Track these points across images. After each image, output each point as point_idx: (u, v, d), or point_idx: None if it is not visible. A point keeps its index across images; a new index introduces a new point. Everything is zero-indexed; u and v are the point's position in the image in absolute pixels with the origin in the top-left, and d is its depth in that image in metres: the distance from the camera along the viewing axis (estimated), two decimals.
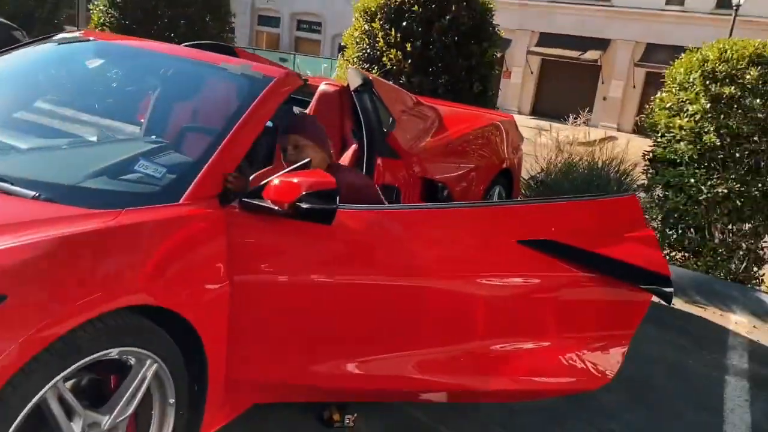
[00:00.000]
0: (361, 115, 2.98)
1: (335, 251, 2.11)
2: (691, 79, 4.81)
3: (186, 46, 3.22)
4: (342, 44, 6.29)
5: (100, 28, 7.33)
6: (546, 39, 24.56)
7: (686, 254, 5.01)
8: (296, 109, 3.32)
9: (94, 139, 2.23)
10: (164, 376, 1.76)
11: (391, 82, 3.97)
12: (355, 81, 3.04)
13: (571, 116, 7.31)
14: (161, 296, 1.69)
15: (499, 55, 6.27)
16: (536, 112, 24.55)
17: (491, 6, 5.77)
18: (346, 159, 3.02)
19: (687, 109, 4.77)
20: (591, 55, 23.56)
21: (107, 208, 1.76)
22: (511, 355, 2.26)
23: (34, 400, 1.41)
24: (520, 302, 2.24)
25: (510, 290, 2.27)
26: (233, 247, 1.91)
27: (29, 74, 2.63)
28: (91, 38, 2.80)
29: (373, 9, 5.62)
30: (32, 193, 1.79)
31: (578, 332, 2.33)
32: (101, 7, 7.27)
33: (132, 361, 1.67)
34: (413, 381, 2.20)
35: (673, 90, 4.96)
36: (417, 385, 2.23)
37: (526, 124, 5.94)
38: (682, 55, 5.07)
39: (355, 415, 2.46)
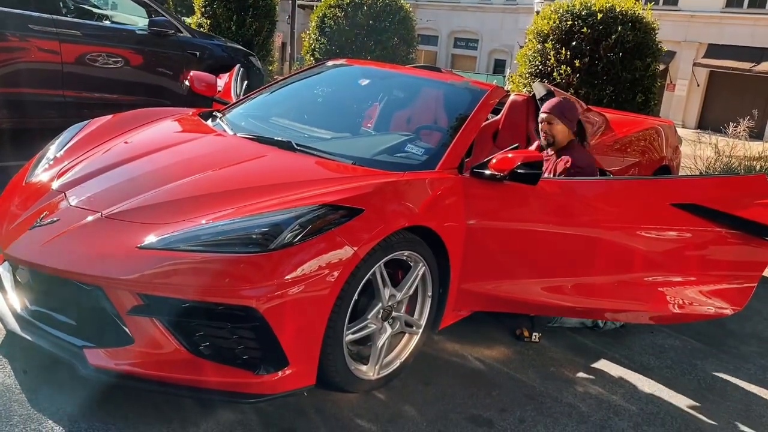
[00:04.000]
0: None
1: (535, 206, 3.05)
2: None
3: (411, 67, 4.37)
4: (497, 59, 7.22)
5: (310, 51, 8.89)
6: (714, 50, 23.67)
7: None
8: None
9: (372, 131, 3.39)
10: (427, 276, 2.80)
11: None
12: (540, 91, 3.99)
13: (731, 125, 7.59)
14: (429, 222, 2.71)
15: (662, 68, 6.85)
16: (703, 125, 23.69)
17: (655, 26, 6.40)
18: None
19: None
20: (765, 66, 22.39)
21: (394, 170, 2.86)
22: (662, 284, 3.08)
23: (372, 271, 2.49)
24: (671, 246, 3.07)
25: (664, 238, 3.09)
26: (467, 200, 2.92)
27: (321, 88, 3.89)
28: (354, 64, 4.02)
29: (546, 31, 6.50)
30: (350, 161, 2.94)
31: (715, 271, 3.12)
32: (312, 35, 8.83)
33: (412, 262, 2.72)
34: (586, 301, 3.09)
35: None
36: (589, 305, 3.11)
37: (687, 137, 6.40)
38: None
39: (540, 334, 3.37)
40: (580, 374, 3.11)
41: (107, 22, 6.25)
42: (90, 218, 2.45)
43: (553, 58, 6.38)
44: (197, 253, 2.24)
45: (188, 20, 9.59)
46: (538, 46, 6.57)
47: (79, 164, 2.90)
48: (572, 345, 3.41)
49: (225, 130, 3.30)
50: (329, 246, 2.32)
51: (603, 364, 3.22)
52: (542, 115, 3.56)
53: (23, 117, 5.28)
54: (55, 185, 2.75)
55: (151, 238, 2.30)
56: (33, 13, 5.15)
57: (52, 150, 3.10)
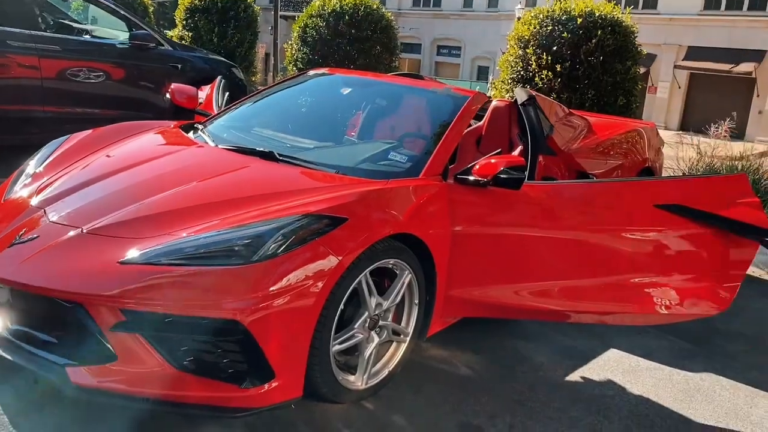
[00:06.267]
0: (526, 123, 3.91)
1: (520, 210, 3.05)
2: None
3: (393, 75, 4.37)
4: (480, 66, 7.28)
5: (293, 62, 8.90)
6: (694, 52, 23.99)
7: None
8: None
9: (356, 140, 3.38)
10: (413, 283, 2.78)
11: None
12: (522, 96, 4.00)
13: (712, 126, 7.67)
14: (414, 230, 2.70)
15: (643, 70, 6.94)
16: (685, 127, 23.94)
17: (634, 29, 6.47)
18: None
19: None
20: (744, 67, 22.71)
21: (378, 178, 2.85)
22: (648, 285, 3.09)
23: (357, 280, 2.47)
24: (656, 247, 3.07)
25: (649, 239, 3.10)
26: (452, 206, 2.92)
27: (303, 98, 3.88)
28: (336, 73, 4.01)
29: (526, 37, 6.54)
30: (334, 170, 2.92)
31: (701, 271, 3.12)
32: (295, 45, 8.84)
33: (398, 270, 2.71)
34: (573, 305, 3.09)
35: None
36: (576, 308, 3.11)
37: (669, 139, 6.46)
38: None
39: None
40: (569, 377, 3.10)
41: (87, 37, 6.21)
42: (70, 234, 2.42)
43: (534, 63, 6.43)
44: (179, 267, 2.21)
45: (170, 33, 9.57)
46: (520, 51, 6.62)
47: (59, 180, 2.86)
48: (560, 348, 3.40)
49: (206, 142, 3.28)
50: (313, 256, 2.31)
51: (591, 367, 3.23)
52: None
53: (3, 133, 5.23)
54: (34, 201, 2.72)
55: (132, 253, 2.28)
56: (12, 29, 5.11)
57: (31, 166, 3.07)
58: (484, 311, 3.17)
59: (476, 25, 31.43)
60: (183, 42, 9.43)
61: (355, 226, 2.45)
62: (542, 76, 6.32)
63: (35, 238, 2.44)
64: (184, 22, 10.16)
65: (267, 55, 23.73)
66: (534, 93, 4.08)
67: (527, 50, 6.48)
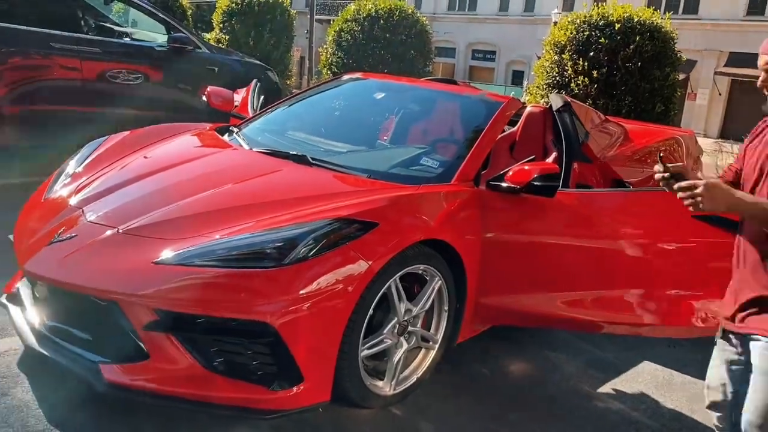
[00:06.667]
0: (561, 129, 3.85)
1: (553, 218, 3.01)
2: None
3: (427, 80, 4.36)
4: (515, 70, 7.21)
5: (327, 65, 8.97)
6: (736, 59, 23.42)
7: None
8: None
9: (388, 144, 3.38)
10: (443, 290, 2.77)
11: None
12: (557, 103, 3.94)
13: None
14: (445, 235, 2.69)
15: (682, 77, 6.80)
16: (724, 135, 23.39)
17: (674, 35, 6.34)
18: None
19: None
20: None
21: (409, 183, 2.84)
22: (684, 297, 3.01)
23: (387, 285, 2.47)
24: (694, 258, 2.99)
25: (686, 250, 3.02)
26: (483, 213, 2.89)
27: (337, 102, 3.90)
28: (370, 78, 4.03)
29: (563, 42, 6.46)
30: (366, 174, 2.93)
31: None
32: (329, 49, 8.90)
33: (428, 276, 2.70)
34: (606, 315, 3.03)
35: None
36: (609, 319, 3.05)
37: (708, 147, 6.30)
38: None
39: None
40: (601, 389, 3.05)
41: (127, 39, 6.34)
42: (107, 233, 2.47)
43: (570, 68, 6.35)
44: (212, 269, 2.24)
45: (207, 36, 9.71)
46: (556, 57, 6.55)
47: (97, 180, 2.93)
48: (591, 359, 3.35)
49: (241, 145, 3.31)
50: (344, 260, 2.31)
51: (623, 379, 3.17)
52: (764, 59, 2.10)
53: (44, 133, 5.36)
54: (73, 201, 2.78)
55: (166, 254, 2.31)
56: (55, 32, 5.24)
57: (71, 166, 3.14)
58: (514, 320, 3.14)
59: (512, 30, 31.17)
60: (220, 45, 9.55)
61: (386, 231, 2.45)
62: (578, 81, 6.24)
63: (73, 237, 2.49)
64: (221, 26, 10.29)
65: (302, 58, 23.92)
66: (569, 99, 4.03)
67: (563, 56, 6.40)
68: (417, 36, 8.80)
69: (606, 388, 3.06)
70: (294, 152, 3.09)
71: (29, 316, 2.52)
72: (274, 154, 3.12)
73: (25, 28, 5.07)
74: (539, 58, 7.00)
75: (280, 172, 2.95)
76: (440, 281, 2.73)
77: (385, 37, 8.48)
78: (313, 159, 3.03)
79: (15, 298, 2.65)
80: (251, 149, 3.23)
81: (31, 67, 5.13)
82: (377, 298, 2.44)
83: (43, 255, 2.46)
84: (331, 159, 3.09)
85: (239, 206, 2.60)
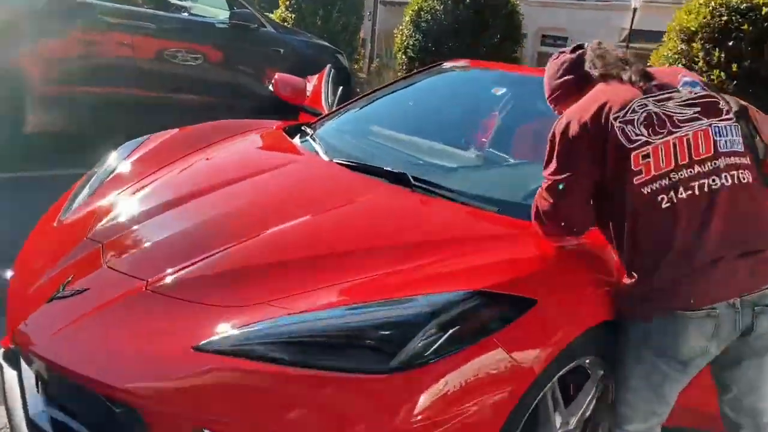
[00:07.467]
0: None
1: None
2: None
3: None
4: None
5: (402, 49, 8.08)
6: None
7: None
8: None
9: (517, 160, 2.49)
10: (609, 383, 1.89)
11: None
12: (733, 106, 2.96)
13: None
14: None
15: None
16: None
17: None
18: None
19: None
20: None
21: None
22: None
23: (543, 392, 1.61)
24: None
25: None
26: None
27: (437, 98, 3.03)
28: (478, 67, 3.13)
29: (692, 29, 5.40)
30: (494, 207, 2.06)
31: None
32: (405, 31, 8.00)
33: (591, 370, 1.82)
34: None
35: None
36: None
37: None
38: None
39: None
40: None
41: (185, 14, 5.63)
42: (129, 291, 1.69)
43: (702, 60, 5.29)
44: (282, 366, 1.43)
45: (272, 15, 9.02)
46: (682, 45, 5.48)
47: (126, 202, 2.15)
48: None
49: (317, 153, 2.49)
50: (486, 362, 1.46)
51: None
52: None
53: (92, 119, 4.69)
54: (93, 230, 2.01)
55: (213, 333, 1.51)
56: (101, 2, 4.54)
57: (98, 176, 2.38)
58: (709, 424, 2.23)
59: (584, 15, 29.67)
60: (285, 24, 8.83)
61: (549, 312, 1.58)
62: (712, 76, 5.19)
63: (83, 291, 1.72)
64: (287, 3, 9.57)
65: (363, 41, 23.10)
66: (747, 105, 3.04)
67: (693, 44, 5.34)
68: (506, 18, 7.82)
69: None
70: (389, 168, 2.23)
71: (28, 396, 1.76)
72: (362, 169, 2.28)
73: None
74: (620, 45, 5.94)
75: (371, 198, 2.12)
76: (602, 372, 1.85)
77: (473, 19, 7.55)
78: (415, 179, 2.17)
79: (12, 359, 1.90)
80: (331, 160, 2.40)
81: (72, 42, 4.44)
82: (526, 415, 1.58)
83: (38, 318, 1.70)
84: (440, 180, 2.21)
85: (319, 256, 1.78)
